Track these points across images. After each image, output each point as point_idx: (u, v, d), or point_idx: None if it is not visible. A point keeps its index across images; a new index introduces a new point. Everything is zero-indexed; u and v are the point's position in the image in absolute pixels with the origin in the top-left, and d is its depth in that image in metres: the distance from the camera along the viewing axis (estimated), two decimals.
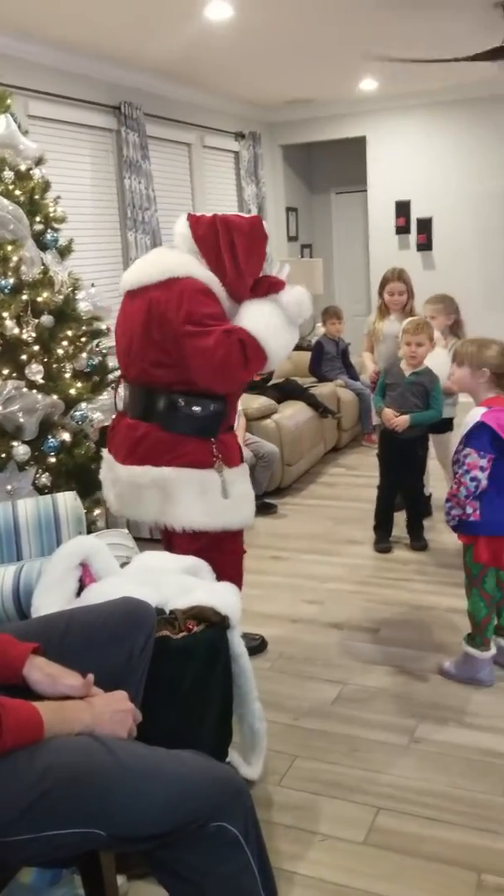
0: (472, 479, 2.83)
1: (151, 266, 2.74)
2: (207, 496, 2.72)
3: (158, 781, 1.45)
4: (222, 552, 2.78)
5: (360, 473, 5.76)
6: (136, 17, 4.58)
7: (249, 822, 1.54)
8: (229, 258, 2.71)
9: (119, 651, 1.78)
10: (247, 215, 2.85)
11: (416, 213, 7.86)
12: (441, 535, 4.54)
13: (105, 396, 3.79)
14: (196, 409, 2.69)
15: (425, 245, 7.88)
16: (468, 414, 2.91)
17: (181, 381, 2.68)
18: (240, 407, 2.94)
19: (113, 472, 2.87)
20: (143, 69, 5.83)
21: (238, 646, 2.27)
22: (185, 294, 2.61)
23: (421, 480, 4.51)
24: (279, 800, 2.41)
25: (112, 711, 1.55)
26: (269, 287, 2.79)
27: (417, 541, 4.40)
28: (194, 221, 2.75)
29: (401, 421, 4.12)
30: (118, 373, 3.83)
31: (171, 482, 2.69)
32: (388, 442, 4.37)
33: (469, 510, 2.88)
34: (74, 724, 1.51)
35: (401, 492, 4.48)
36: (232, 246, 2.71)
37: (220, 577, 2.57)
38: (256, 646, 3.28)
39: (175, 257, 2.73)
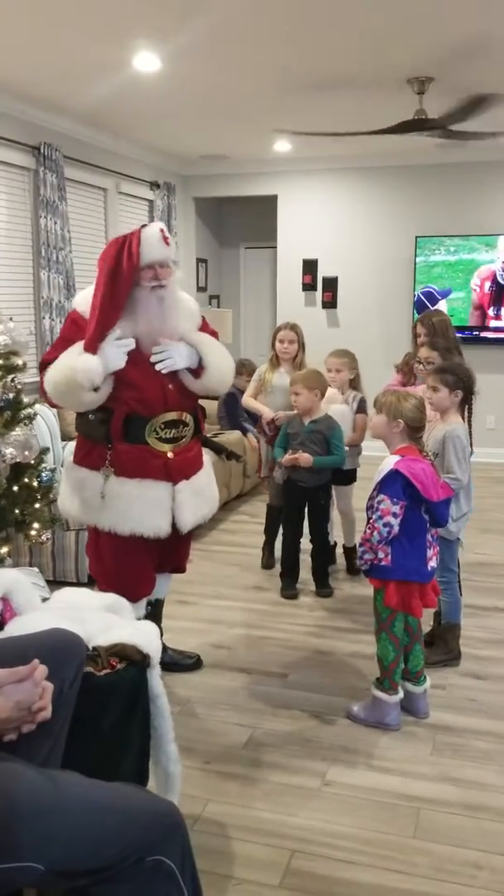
0: (385, 525, 2.93)
1: None
2: (84, 493, 3.01)
3: (99, 813, 1.42)
4: (99, 549, 3.10)
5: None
6: (66, 65, 4.63)
7: (186, 856, 1.52)
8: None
9: (50, 682, 1.74)
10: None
11: (322, 272, 8.14)
12: (345, 582, 4.63)
13: (18, 432, 3.71)
14: (91, 417, 3.01)
15: (331, 303, 8.15)
16: (383, 462, 3.02)
17: None
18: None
19: None
20: (66, 113, 5.88)
21: (157, 686, 2.24)
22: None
23: (326, 528, 4.60)
24: (193, 844, 2.31)
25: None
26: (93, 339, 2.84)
27: (323, 587, 4.47)
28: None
29: (304, 457, 4.19)
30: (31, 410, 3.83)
31: (67, 474, 3.12)
32: (292, 491, 4.44)
33: (381, 555, 2.97)
34: None
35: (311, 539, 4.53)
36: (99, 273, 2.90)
37: (99, 577, 3.11)
38: (192, 663, 3.56)
39: (85, 292, 3.05)
